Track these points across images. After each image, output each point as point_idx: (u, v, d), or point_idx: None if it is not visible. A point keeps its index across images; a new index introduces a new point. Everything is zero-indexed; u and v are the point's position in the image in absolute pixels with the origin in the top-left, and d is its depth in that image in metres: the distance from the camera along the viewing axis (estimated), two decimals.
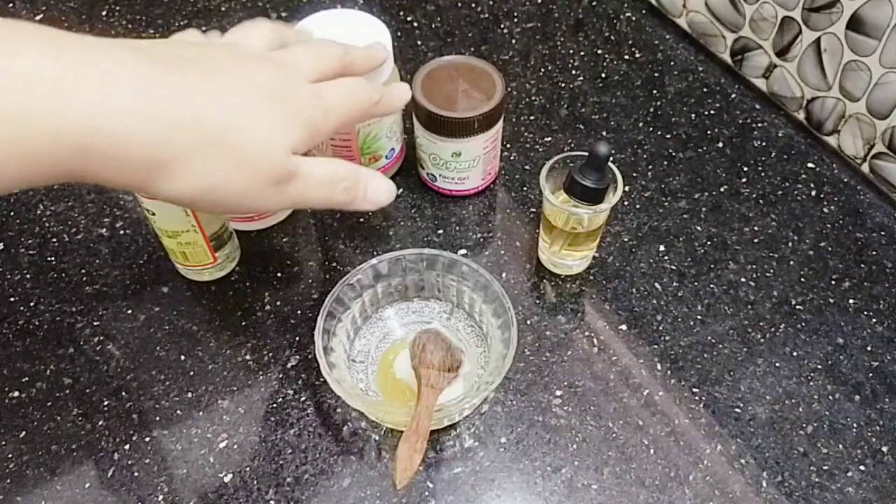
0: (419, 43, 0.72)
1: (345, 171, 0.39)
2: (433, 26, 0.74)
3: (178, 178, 0.33)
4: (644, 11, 0.75)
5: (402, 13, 0.75)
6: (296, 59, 0.38)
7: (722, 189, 0.61)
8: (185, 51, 0.35)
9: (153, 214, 0.49)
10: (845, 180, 0.62)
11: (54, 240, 0.58)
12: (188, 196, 0.34)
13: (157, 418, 0.49)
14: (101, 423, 0.49)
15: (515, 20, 0.74)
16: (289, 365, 0.51)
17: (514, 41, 0.72)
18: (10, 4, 0.76)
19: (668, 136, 0.65)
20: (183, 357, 0.52)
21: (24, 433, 0.48)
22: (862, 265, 0.56)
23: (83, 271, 0.56)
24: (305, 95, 0.37)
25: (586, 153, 0.48)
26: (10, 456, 0.47)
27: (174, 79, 0.32)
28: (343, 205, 0.39)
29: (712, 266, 0.57)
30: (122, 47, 0.32)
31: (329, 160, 0.39)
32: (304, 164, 0.37)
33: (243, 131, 0.34)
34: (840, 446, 0.48)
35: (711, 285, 0.55)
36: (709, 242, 0.58)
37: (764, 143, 0.64)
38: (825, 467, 0.47)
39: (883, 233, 0.58)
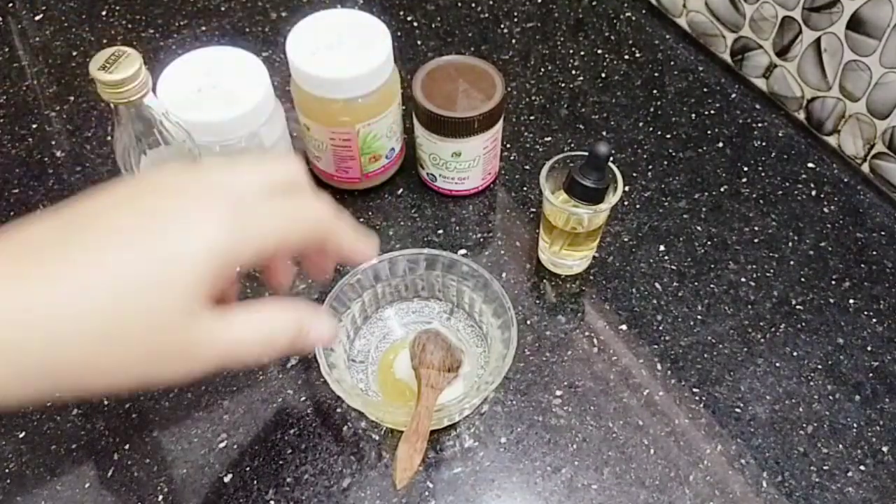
0: (419, 43, 0.72)
1: (283, 325, 0.32)
2: (433, 26, 0.74)
3: (69, 381, 0.28)
4: (644, 11, 0.75)
5: (402, 13, 0.75)
6: (234, 168, 0.32)
7: (722, 189, 0.61)
8: (71, 217, 0.29)
9: None
10: (845, 180, 0.62)
11: None
12: (95, 393, 0.29)
13: (157, 418, 0.49)
14: (101, 423, 0.49)
15: (515, 20, 0.74)
16: (289, 365, 0.51)
17: (514, 41, 0.72)
18: (10, 4, 0.76)
19: (668, 136, 0.65)
20: None
21: (24, 433, 0.48)
22: (862, 265, 0.56)
23: None
24: (222, 214, 0.29)
25: (586, 153, 0.48)
26: (10, 456, 0.47)
27: (34, 268, 0.27)
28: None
29: (712, 266, 0.57)
30: None
31: (261, 311, 0.31)
32: (224, 326, 0.29)
33: (124, 315, 0.27)
34: (840, 446, 0.48)
35: (711, 285, 0.55)
36: (709, 242, 0.58)
37: (764, 143, 0.64)
38: (825, 467, 0.47)
39: (883, 233, 0.58)
